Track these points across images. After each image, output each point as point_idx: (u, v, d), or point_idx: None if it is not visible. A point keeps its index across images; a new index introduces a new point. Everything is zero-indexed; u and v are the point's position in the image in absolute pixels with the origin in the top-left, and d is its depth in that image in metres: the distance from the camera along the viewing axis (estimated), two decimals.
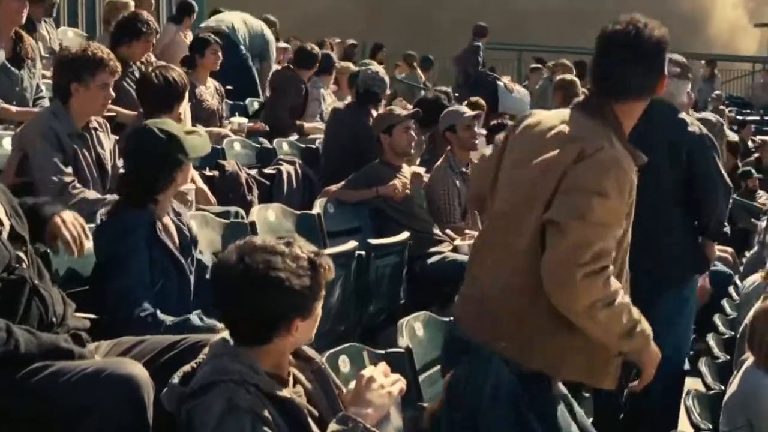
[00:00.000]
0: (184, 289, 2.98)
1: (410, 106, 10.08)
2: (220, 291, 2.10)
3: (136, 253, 2.81)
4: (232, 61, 7.00)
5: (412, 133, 5.07)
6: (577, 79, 7.41)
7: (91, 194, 3.62)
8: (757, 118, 14.47)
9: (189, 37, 8.50)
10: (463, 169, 5.32)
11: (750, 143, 11.52)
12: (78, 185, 3.63)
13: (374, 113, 5.74)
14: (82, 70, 3.68)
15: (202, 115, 5.99)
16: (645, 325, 2.51)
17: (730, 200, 3.98)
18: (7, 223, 2.37)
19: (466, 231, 5.10)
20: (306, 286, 2.11)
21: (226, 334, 2.14)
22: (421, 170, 5.21)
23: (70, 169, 3.64)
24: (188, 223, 3.14)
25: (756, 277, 4.53)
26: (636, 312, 2.49)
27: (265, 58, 7.99)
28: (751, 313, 3.73)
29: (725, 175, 3.90)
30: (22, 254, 2.35)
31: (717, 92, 14.15)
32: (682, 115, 3.91)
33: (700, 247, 4.01)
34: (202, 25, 8.12)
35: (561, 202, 2.40)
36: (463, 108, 5.62)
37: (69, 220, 2.66)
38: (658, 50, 2.62)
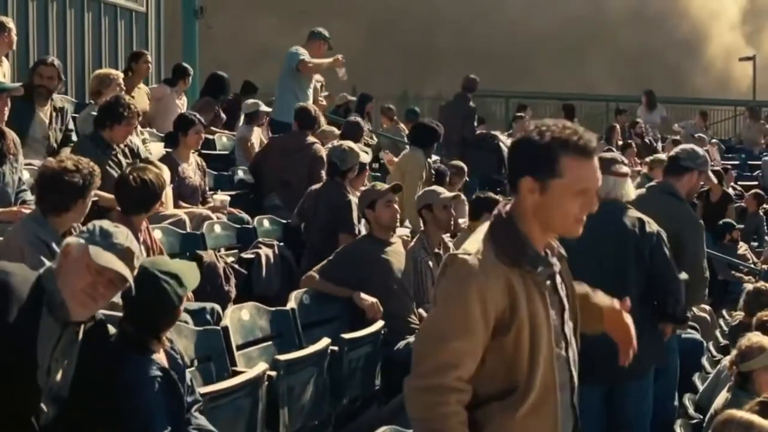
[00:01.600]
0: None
1: (395, 158, 10.35)
2: None
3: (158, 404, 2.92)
4: None
5: (395, 206, 5.27)
6: None
7: None
8: (738, 162, 14.54)
9: (183, 100, 8.90)
10: (437, 250, 5.50)
11: (731, 190, 11.77)
12: None
13: (348, 186, 5.99)
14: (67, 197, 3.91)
15: (185, 192, 6.21)
16: None
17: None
18: None
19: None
20: None
21: None
22: None
23: None
24: (179, 350, 3.23)
25: (726, 362, 4.73)
26: None
27: None
28: (714, 411, 4.03)
29: (674, 267, 4.20)
30: None
31: (700, 134, 14.22)
32: (636, 213, 4.20)
33: (660, 338, 4.29)
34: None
35: None
36: (441, 189, 5.80)
37: None
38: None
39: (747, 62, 28.46)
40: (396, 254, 5.15)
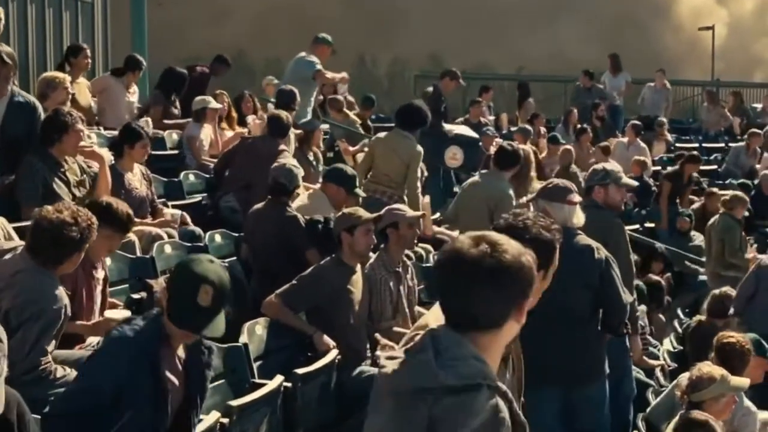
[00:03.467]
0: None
1: (351, 148, 10.36)
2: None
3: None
4: None
5: (373, 236, 5.32)
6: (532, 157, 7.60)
7: None
8: (696, 145, 14.53)
9: (134, 90, 8.83)
10: (397, 269, 5.60)
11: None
12: None
13: (290, 204, 6.04)
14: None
15: (133, 204, 6.18)
16: None
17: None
18: None
19: (395, 329, 5.40)
20: None
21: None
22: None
23: None
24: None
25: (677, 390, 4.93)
26: None
27: None
28: None
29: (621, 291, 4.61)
30: None
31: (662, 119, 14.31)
32: (586, 240, 4.56)
33: (604, 349, 4.77)
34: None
35: None
36: (405, 207, 5.89)
37: None
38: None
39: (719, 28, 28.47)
40: (358, 284, 5.23)
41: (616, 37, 38.76)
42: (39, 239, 3.92)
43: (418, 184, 7.23)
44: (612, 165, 6.18)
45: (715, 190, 10.85)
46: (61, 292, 3.95)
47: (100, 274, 4.58)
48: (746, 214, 9.65)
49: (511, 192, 6.81)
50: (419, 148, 7.29)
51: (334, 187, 6.32)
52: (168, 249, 5.73)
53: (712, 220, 9.29)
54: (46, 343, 3.87)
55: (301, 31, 37.28)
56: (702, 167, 12.30)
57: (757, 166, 13.13)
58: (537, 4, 37.61)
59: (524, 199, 5.61)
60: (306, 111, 9.01)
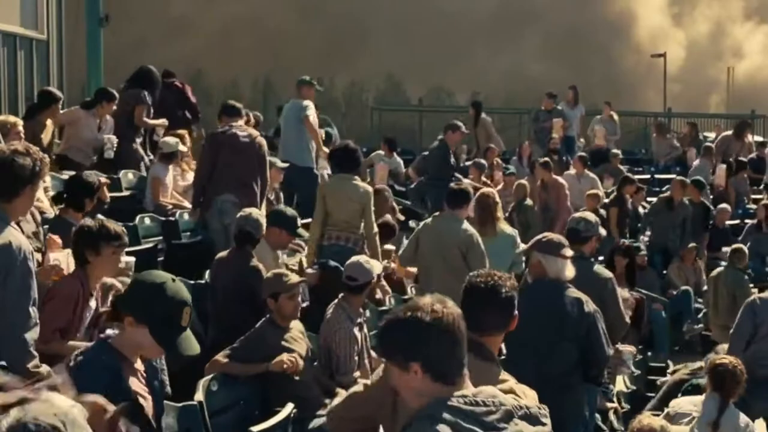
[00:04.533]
0: None
1: None
2: None
3: None
4: None
5: (299, 299, 5.42)
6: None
7: None
8: (648, 176, 14.80)
9: (107, 120, 8.85)
10: (360, 320, 5.74)
11: (641, 209, 12.21)
12: None
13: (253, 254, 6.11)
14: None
15: None
16: None
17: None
18: None
19: (360, 380, 5.52)
20: None
21: None
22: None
23: None
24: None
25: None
26: None
27: None
28: None
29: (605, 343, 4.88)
30: None
31: (615, 151, 14.56)
32: (575, 293, 4.83)
33: (582, 403, 5.00)
34: None
35: None
36: (372, 262, 5.99)
37: None
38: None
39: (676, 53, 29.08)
40: (296, 339, 5.33)
41: (574, 58, 39.52)
42: None
43: (375, 225, 7.33)
44: (590, 214, 6.40)
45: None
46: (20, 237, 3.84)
47: (93, 303, 4.63)
48: None
49: (474, 231, 7.01)
50: (369, 187, 7.45)
51: (276, 230, 6.36)
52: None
53: (716, 272, 9.37)
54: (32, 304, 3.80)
55: (260, 49, 37.33)
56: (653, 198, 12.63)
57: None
58: (496, 26, 38.15)
59: (518, 251, 5.87)
60: (303, 154, 9.24)
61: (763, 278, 11.73)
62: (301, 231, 6.66)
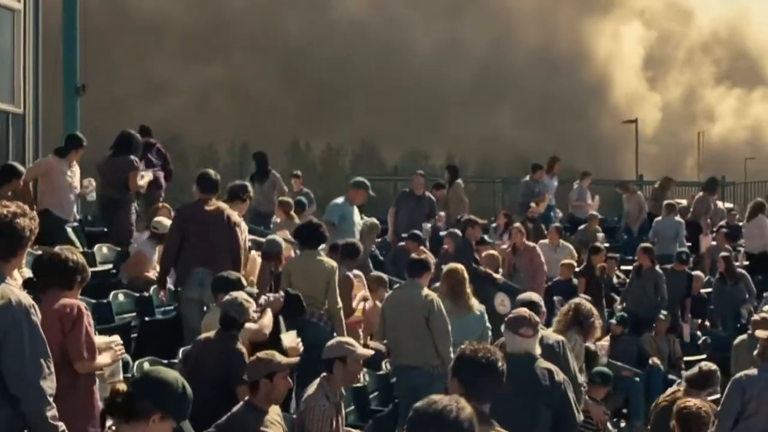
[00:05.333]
0: None
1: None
2: None
3: None
4: None
5: (290, 379, 5.39)
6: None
7: None
8: (620, 244, 14.57)
9: (75, 169, 8.84)
10: (337, 399, 5.73)
11: (615, 279, 12.18)
12: None
13: (239, 336, 6.13)
14: None
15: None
16: None
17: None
18: None
19: None
20: None
21: None
22: None
23: None
24: None
25: None
26: None
27: None
28: None
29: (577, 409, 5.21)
30: None
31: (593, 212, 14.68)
32: (545, 364, 5.10)
33: None
34: None
35: None
36: (356, 343, 6.04)
37: None
38: None
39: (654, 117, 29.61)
40: (274, 423, 5.34)
41: (550, 123, 40.28)
42: None
43: (339, 300, 7.40)
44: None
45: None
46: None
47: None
48: None
49: (435, 296, 7.13)
50: (334, 263, 7.50)
51: None
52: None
53: (739, 340, 9.35)
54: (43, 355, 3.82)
55: (238, 113, 37.61)
56: (628, 267, 12.73)
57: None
58: (472, 92, 38.87)
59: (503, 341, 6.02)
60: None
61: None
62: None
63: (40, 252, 4.07)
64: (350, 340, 6.03)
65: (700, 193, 15.36)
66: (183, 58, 38.58)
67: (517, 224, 12.26)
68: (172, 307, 7.85)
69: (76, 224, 9.08)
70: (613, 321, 10.50)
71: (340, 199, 9.59)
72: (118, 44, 34.99)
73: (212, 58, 38.56)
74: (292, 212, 10.98)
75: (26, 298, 3.86)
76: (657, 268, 11.47)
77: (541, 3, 44.08)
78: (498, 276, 10.69)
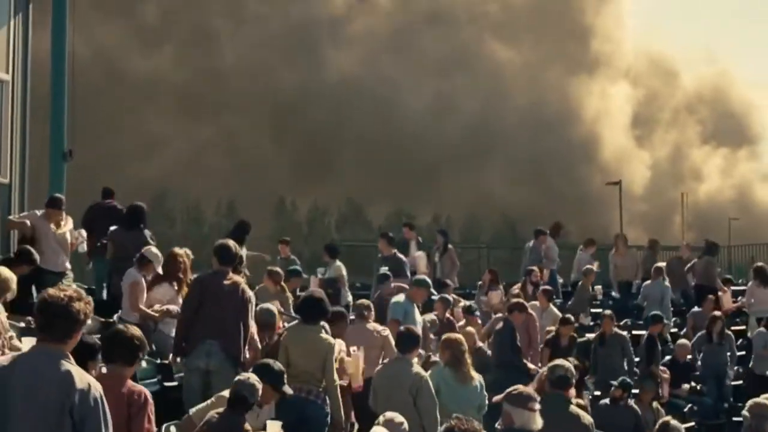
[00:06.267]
0: None
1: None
2: None
3: None
4: None
5: None
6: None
7: None
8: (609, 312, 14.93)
9: (68, 223, 9.27)
10: None
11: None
12: None
13: (247, 417, 6.11)
14: None
15: None
16: None
17: None
18: None
19: None
20: None
21: None
22: None
23: None
24: None
25: None
26: None
27: None
28: None
29: None
30: None
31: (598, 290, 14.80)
32: None
33: None
34: None
35: None
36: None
37: None
38: None
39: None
40: None
41: (539, 182, 40.57)
42: (51, 314, 4.12)
43: (336, 377, 7.29)
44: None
45: None
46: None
47: None
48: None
49: (424, 374, 7.18)
50: (332, 340, 7.38)
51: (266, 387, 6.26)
52: None
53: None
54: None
55: (227, 172, 37.71)
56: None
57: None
58: (463, 149, 39.18)
59: (496, 399, 6.13)
60: None
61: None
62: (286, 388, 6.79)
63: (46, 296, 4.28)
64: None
65: (705, 257, 15.11)
66: (175, 116, 38.91)
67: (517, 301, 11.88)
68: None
69: (70, 275, 9.47)
70: (615, 384, 10.18)
71: (401, 297, 9.74)
72: (109, 101, 35.32)
73: (204, 116, 38.90)
74: (282, 283, 10.97)
75: (96, 383, 4.15)
76: (620, 331, 11.67)
77: (529, 62, 44.76)
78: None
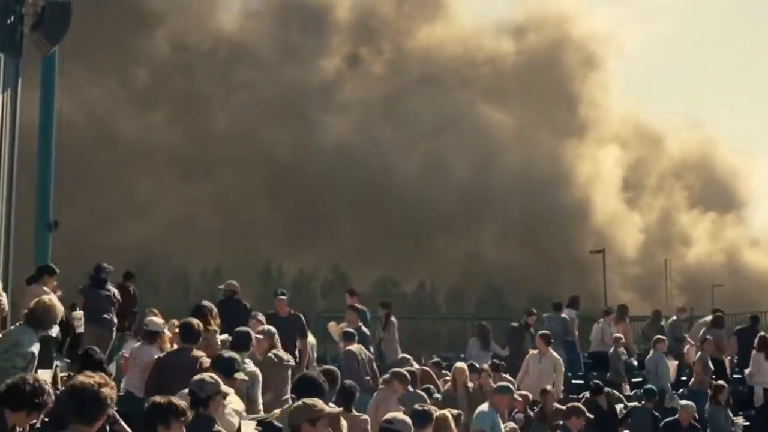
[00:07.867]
0: None
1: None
2: None
3: None
4: None
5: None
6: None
7: None
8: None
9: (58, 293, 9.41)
10: None
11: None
12: None
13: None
14: None
15: None
16: None
17: None
18: None
19: None
20: None
21: None
22: None
23: None
24: None
25: None
26: None
27: None
28: None
29: None
30: None
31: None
32: None
33: None
34: None
35: None
36: (321, 403, 5.98)
37: None
38: None
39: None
40: None
41: (531, 245, 40.76)
42: (79, 399, 4.50)
43: None
44: None
45: None
46: None
47: None
48: None
49: None
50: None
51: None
52: None
53: None
54: None
55: (216, 236, 37.71)
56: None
57: None
58: (454, 212, 39.42)
59: None
60: None
61: None
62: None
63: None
64: (317, 401, 5.86)
65: (713, 330, 15.21)
66: (164, 178, 39.18)
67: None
68: None
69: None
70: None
71: (485, 407, 9.84)
72: (98, 163, 35.64)
73: (194, 178, 39.16)
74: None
75: None
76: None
77: (520, 126, 45.37)
78: None
